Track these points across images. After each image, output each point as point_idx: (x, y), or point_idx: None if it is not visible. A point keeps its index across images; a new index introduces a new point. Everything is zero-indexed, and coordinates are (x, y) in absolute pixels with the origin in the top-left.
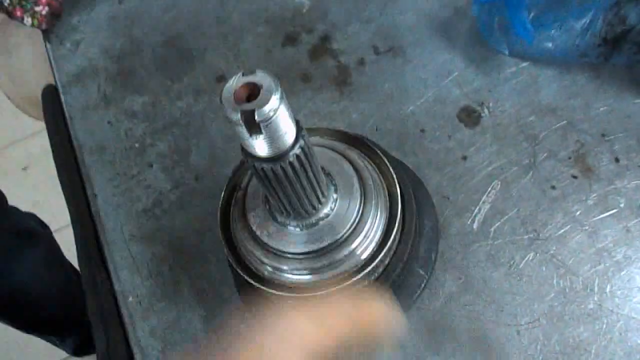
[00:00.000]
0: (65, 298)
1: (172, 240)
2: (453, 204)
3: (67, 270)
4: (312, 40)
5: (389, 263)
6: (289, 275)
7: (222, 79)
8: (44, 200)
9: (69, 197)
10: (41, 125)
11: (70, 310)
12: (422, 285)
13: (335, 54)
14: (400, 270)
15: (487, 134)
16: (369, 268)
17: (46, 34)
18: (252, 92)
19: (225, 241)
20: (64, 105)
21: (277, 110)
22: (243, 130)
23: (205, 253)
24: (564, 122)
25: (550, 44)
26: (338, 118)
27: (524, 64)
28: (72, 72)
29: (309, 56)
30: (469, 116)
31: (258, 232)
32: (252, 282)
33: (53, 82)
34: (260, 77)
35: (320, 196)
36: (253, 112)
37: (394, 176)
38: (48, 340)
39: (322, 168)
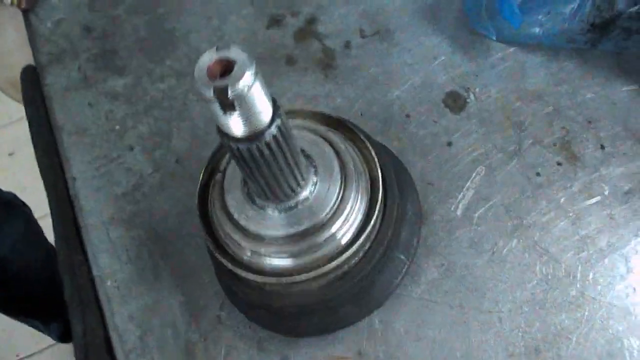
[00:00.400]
0: (46, 278)
1: (152, 224)
2: (437, 190)
3: (49, 250)
4: (297, 22)
5: (369, 248)
6: (268, 259)
7: None
8: (31, 185)
9: (47, 178)
10: None
11: (51, 292)
12: (403, 271)
13: (320, 37)
14: (381, 256)
15: (472, 119)
16: (349, 252)
17: (26, 14)
18: (226, 68)
19: (203, 225)
20: (43, 86)
21: (251, 86)
22: (216, 107)
23: (186, 237)
24: (550, 108)
25: (537, 29)
26: (322, 102)
27: (511, 50)
28: (52, 52)
29: (294, 38)
30: (455, 101)
31: (236, 215)
32: (230, 266)
33: (33, 63)
34: (235, 53)
35: (299, 179)
36: (226, 88)
37: (376, 160)
38: (32, 326)
39: (302, 150)
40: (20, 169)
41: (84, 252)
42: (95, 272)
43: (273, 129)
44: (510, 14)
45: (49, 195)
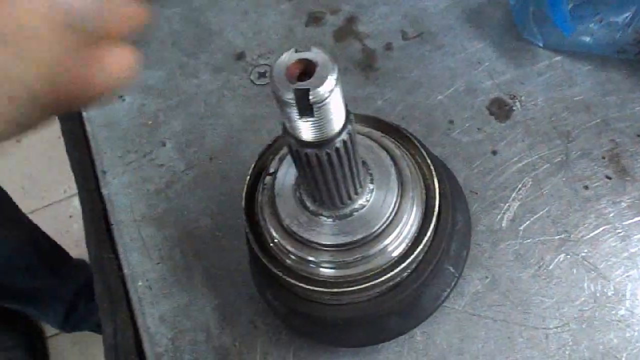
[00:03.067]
0: (26, 264)
1: (185, 223)
2: (482, 199)
3: (32, 236)
4: (337, 21)
5: (421, 260)
6: (317, 268)
7: (241, 56)
8: (38, 173)
9: (78, 172)
10: None
11: (34, 279)
12: (453, 284)
13: (361, 37)
14: (432, 268)
15: (518, 128)
16: (403, 265)
17: None
18: (306, 70)
19: (250, 228)
20: None
21: (332, 91)
22: (293, 111)
23: (220, 238)
24: (598, 120)
25: (588, 38)
26: (363, 104)
27: (558, 58)
28: None
29: (334, 38)
30: (500, 109)
31: (287, 221)
32: (278, 273)
33: None
34: (316, 55)
35: (358, 186)
36: (307, 91)
37: (432, 168)
38: (31, 314)
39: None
40: (28, 156)
41: (114, 250)
42: (126, 270)
43: (344, 135)
44: (563, 21)
45: (79, 190)
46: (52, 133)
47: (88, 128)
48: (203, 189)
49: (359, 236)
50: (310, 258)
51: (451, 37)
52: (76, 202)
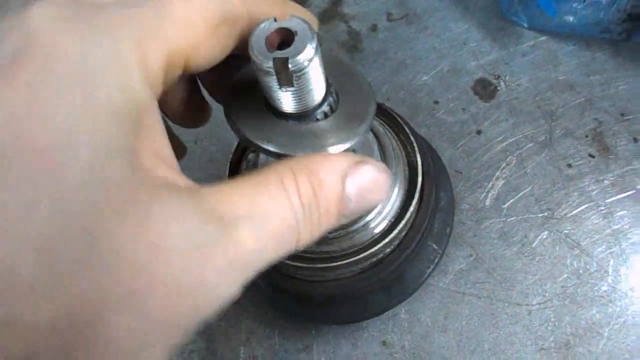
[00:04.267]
0: None
1: None
2: (466, 178)
3: None
4: (322, 3)
5: (404, 236)
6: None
7: None
8: None
9: None
10: None
11: None
12: (436, 260)
13: (346, 19)
14: (416, 245)
15: (502, 108)
16: (386, 240)
17: None
18: (285, 40)
19: None
20: None
21: (311, 60)
22: (272, 81)
23: None
24: (582, 99)
25: (572, 18)
26: None
27: (543, 38)
28: None
29: (319, 19)
30: (485, 89)
31: None
32: None
33: None
34: (295, 23)
35: None
36: (286, 60)
37: (415, 145)
38: None
39: None
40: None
41: None
42: None
43: (325, 107)
44: (546, 1)
45: None
46: None
47: None
48: (189, 172)
49: None
50: None
51: (436, 19)
52: None
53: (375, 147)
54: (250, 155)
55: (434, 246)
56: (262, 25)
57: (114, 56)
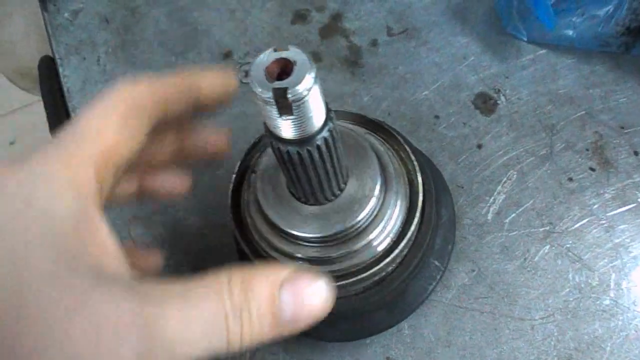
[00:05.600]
0: None
1: (174, 222)
2: (467, 193)
3: None
4: (322, 18)
5: (406, 254)
6: (302, 264)
7: (228, 55)
8: None
9: None
10: (29, 99)
11: None
12: (438, 277)
13: (346, 34)
14: (418, 262)
15: (503, 122)
16: (388, 259)
17: (43, 3)
18: (284, 70)
19: (236, 226)
20: (62, 78)
21: (310, 89)
22: (273, 110)
23: (207, 236)
24: (583, 112)
25: (571, 32)
26: (349, 100)
27: (542, 51)
28: (70, 43)
29: (319, 35)
30: (485, 103)
31: (273, 218)
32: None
33: (49, 54)
34: (294, 54)
35: (341, 182)
36: (285, 90)
37: (415, 163)
38: None
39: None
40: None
41: None
42: None
43: (325, 133)
44: (545, 15)
45: None
46: (45, 134)
47: None
48: (195, 188)
49: (343, 230)
50: (298, 255)
51: (436, 33)
52: None
53: (377, 165)
54: (252, 177)
55: (436, 263)
56: (262, 56)
57: (47, 184)
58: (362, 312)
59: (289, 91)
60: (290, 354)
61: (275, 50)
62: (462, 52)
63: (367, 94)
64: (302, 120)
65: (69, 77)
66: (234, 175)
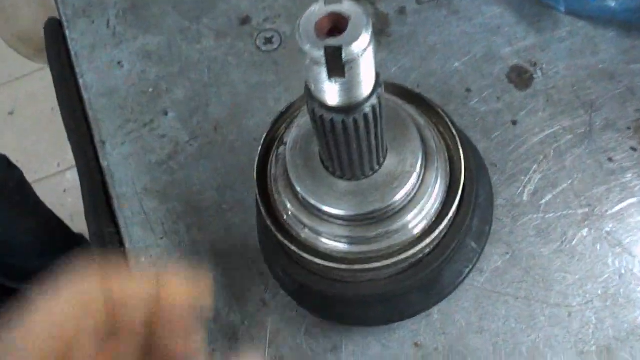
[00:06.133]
0: (46, 247)
1: (189, 196)
2: (501, 172)
3: (46, 217)
4: None
5: (444, 236)
6: (337, 244)
7: (246, 21)
8: (31, 146)
9: (75, 143)
10: (29, 68)
11: (54, 260)
12: (475, 259)
13: (373, 0)
14: (456, 245)
15: (539, 97)
16: (426, 241)
17: None
18: (337, 25)
19: (262, 201)
20: (69, 42)
21: (366, 50)
22: (322, 72)
23: (226, 212)
24: (623, 88)
25: (613, 3)
26: None
27: (580, 24)
28: (78, 5)
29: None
30: (520, 77)
31: (303, 193)
32: (292, 247)
33: (56, 16)
34: (349, 7)
35: (381, 156)
36: (340, 49)
37: (457, 139)
38: None
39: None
40: (20, 129)
41: (115, 224)
42: (128, 245)
43: (374, 100)
44: None
45: (77, 161)
46: (45, 104)
47: (85, 96)
48: (208, 160)
49: (380, 208)
50: (328, 232)
51: (468, 1)
52: (70, 175)
53: (418, 139)
54: (281, 149)
55: (473, 245)
56: (312, 8)
57: None
58: (395, 295)
59: (344, 50)
60: (314, 337)
61: (326, 3)
62: (496, 22)
63: (394, 64)
64: (352, 84)
65: (77, 41)
66: (260, 148)
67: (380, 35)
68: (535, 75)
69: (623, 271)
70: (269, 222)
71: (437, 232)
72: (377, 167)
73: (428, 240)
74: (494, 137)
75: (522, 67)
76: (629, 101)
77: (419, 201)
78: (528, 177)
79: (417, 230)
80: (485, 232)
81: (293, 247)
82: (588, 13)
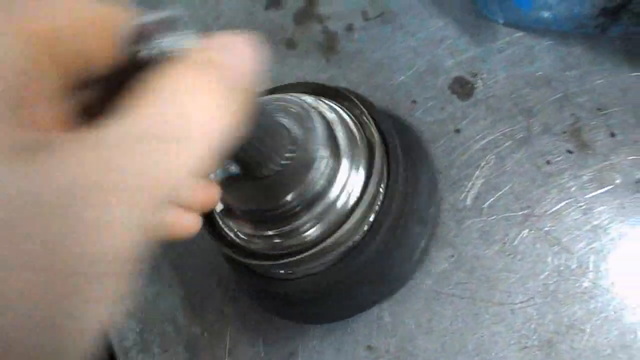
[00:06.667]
0: None
1: None
2: (445, 178)
3: None
4: (297, 3)
5: (374, 220)
6: (263, 241)
7: None
8: None
9: None
10: None
11: None
12: (422, 243)
13: (321, 19)
14: (390, 228)
15: (480, 106)
16: (347, 226)
17: None
18: None
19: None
20: None
21: None
22: None
23: None
24: (560, 94)
25: (547, 13)
26: None
27: (519, 34)
28: None
29: (294, 20)
30: (462, 87)
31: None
32: (225, 250)
33: None
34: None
35: (279, 158)
36: None
37: (370, 121)
38: None
39: (283, 125)
40: None
41: None
42: None
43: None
44: None
45: None
46: None
47: None
48: None
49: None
50: (252, 232)
51: (412, 16)
52: None
53: (324, 132)
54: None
55: (417, 228)
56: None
57: None
58: (343, 287)
59: None
60: (271, 345)
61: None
62: (439, 35)
63: (343, 80)
64: None
65: None
66: None
67: (329, 52)
68: (476, 85)
69: (562, 268)
70: (206, 228)
71: (355, 214)
72: (278, 168)
73: (349, 225)
74: (438, 145)
75: (464, 78)
76: (565, 106)
77: (337, 188)
78: (471, 182)
79: (341, 211)
80: (430, 215)
81: (225, 250)
82: (525, 24)
